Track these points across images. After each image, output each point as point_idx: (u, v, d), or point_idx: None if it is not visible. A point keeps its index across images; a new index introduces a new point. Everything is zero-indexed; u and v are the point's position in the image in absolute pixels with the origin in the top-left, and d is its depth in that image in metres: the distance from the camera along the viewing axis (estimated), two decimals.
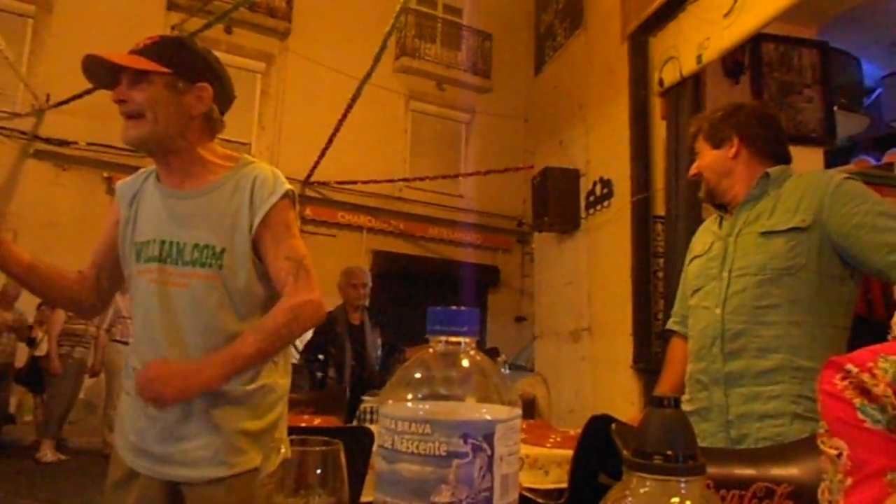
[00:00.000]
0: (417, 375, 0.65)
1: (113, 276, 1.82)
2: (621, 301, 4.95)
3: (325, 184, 11.01)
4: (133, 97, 1.63)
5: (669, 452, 0.63)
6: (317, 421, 3.08)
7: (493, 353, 6.17)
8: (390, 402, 0.63)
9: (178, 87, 1.65)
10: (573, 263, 5.93)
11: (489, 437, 0.60)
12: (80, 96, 8.13)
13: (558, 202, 5.64)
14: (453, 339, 0.66)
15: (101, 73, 1.65)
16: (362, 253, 11.53)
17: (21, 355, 7.55)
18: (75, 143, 9.23)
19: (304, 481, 0.75)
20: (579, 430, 1.72)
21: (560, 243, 6.18)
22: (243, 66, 10.71)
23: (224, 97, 1.75)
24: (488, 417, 0.61)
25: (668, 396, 0.68)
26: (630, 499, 0.63)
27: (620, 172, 5.10)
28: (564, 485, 1.92)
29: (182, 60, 1.67)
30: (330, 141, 9.30)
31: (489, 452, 0.60)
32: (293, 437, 0.79)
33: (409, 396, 0.63)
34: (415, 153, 12.57)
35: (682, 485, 0.61)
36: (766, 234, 1.92)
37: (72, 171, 9.74)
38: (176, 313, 1.64)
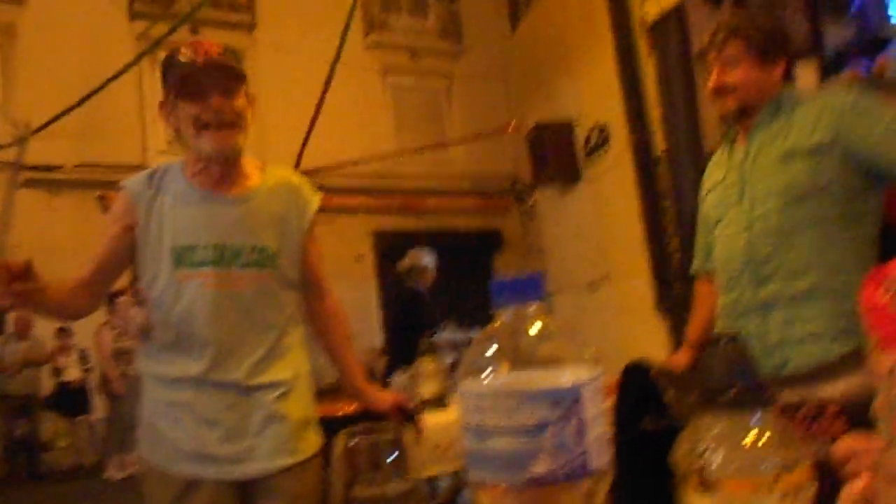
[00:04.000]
0: (493, 349, 0.63)
1: (112, 280, 1.82)
2: (635, 244, 4.94)
3: (315, 170, 10.96)
4: (231, 106, 1.70)
5: (738, 386, 0.63)
6: (353, 407, 3.09)
7: None
8: (469, 378, 0.62)
9: (249, 95, 1.77)
10: (580, 214, 5.91)
11: (577, 400, 0.59)
12: (59, 118, 8.02)
13: (556, 155, 5.61)
14: (522, 306, 0.65)
15: (202, 81, 1.70)
16: (363, 234, 11.51)
17: (46, 380, 7.64)
18: (62, 166, 9.15)
19: (378, 468, 0.74)
20: (613, 380, 1.72)
21: (563, 196, 6.16)
22: None
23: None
24: (573, 380, 0.60)
25: (724, 334, 0.68)
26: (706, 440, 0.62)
27: (615, 116, 5.06)
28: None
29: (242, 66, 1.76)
30: (311, 127, 9.23)
31: (579, 415, 0.59)
32: (359, 425, 0.79)
33: (489, 371, 0.61)
34: (399, 127, 12.48)
35: (756, 418, 0.61)
36: (786, 156, 1.89)
37: (63, 196, 9.67)
38: (231, 314, 1.70)
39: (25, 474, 7.40)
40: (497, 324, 0.65)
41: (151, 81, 9.00)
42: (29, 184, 9.61)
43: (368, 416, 1.91)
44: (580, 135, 5.79)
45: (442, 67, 12.77)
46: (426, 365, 3.02)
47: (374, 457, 0.75)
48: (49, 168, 9.43)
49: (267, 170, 1.89)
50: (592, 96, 5.51)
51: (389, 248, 11.46)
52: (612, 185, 5.30)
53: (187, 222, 1.73)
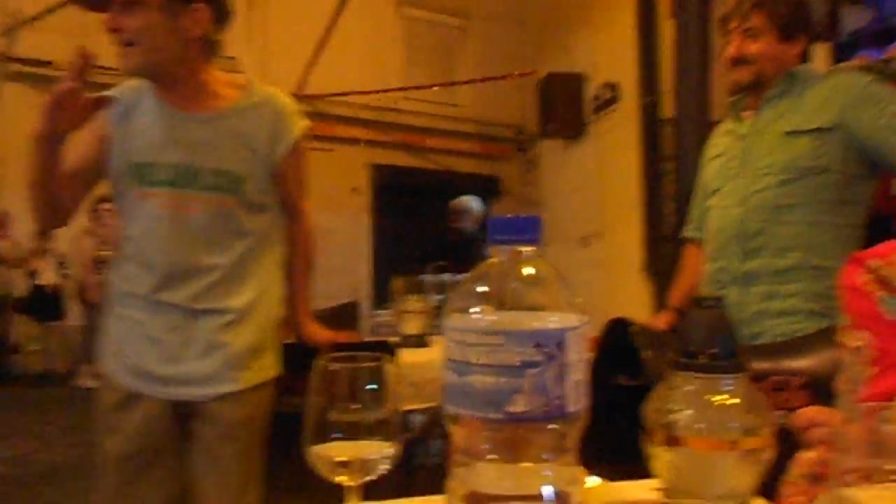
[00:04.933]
0: (483, 286, 0.64)
1: (85, 187, 1.77)
2: (631, 205, 4.95)
3: (318, 97, 10.81)
4: (126, 24, 1.57)
5: (714, 351, 0.65)
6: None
7: None
8: (457, 314, 0.63)
9: (173, 9, 1.58)
10: (580, 169, 5.90)
11: (561, 345, 0.60)
12: (53, 10, 7.74)
13: (564, 108, 5.57)
14: (517, 248, 0.65)
15: None
16: (360, 167, 11.44)
17: (21, 282, 7.56)
18: (53, 62, 8.92)
19: (356, 397, 0.75)
20: (595, 335, 1.74)
21: (566, 150, 6.13)
22: None
23: (222, 16, 1.71)
24: (559, 325, 0.61)
25: (709, 296, 0.69)
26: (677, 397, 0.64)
27: (627, 75, 5.00)
28: None
29: None
30: (318, 52, 9.08)
31: (561, 360, 0.60)
32: (339, 353, 0.80)
33: (478, 308, 0.62)
34: (408, 61, 12.28)
35: (728, 382, 0.63)
36: (791, 133, 1.89)
37: (44, 93, 9.48)
38: (186, 237, 1.66)
39: None
40: (491, 262, 0.65)
41: None
42: (17, 77, 9.35)
43: (353, 346, 1.93)
44: (589, 90, 5.73)
45: (459, 5, 12.53)
46: (411, 303, 3.06)
47: (353, 384, 0.76)
48: (40, 62, 9.17)
49: (251, 88, 1.78)
50: (606, 53, 5.44)
51: (386, 183, 11.41)
52: (616, 144, 5.27)
53: (150, 139, 1.68)
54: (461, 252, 4.74)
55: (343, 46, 9.86)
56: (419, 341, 2.86)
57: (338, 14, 7.87)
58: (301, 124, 1.79)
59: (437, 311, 3.20)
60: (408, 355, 2.55)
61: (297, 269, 1.92)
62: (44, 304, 7.66)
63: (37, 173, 1.64)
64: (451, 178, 11.34)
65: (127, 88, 1.75)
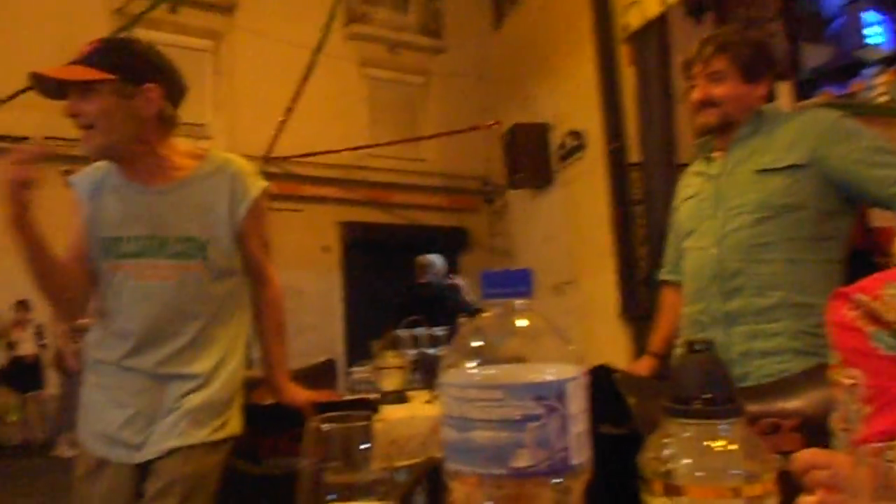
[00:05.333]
0: (479, 341, 0.63)
1: (91, 270, 1.82)
2: (603, 251, 4.99)
3: (286, 158, 10.86)
4: (84, 109, 1.64)
5: (709, 396, 0.64)
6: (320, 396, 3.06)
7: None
8: (454, 370, 0.62)
9: (126, 92, 1.65)
10: (550, 218, 5.95)
11: (561, 396, 0.60)
12: (28, 89, 7.81)
13: (530, 158, 5.65)
14: (510, 301, 0.65)
15: (51, 86, 1.66)
16: (329, 225, 11.44)
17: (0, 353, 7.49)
18: (29, 138, 8.93)
19: (349, 457, 0.74)
20: None
21: (535, 199, 6.20)
22: (191, 45, 10.39)
23: (175, 92, 1.76)
24: (558, 376, 0.60)
25: (701, 340, 0.68)
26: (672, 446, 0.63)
27: (591, 122, 5.10)
28: None
29: (125, 63, 1.66)
30: (286, 115, 9.16)
31: (563, 412, 0.59)
32: (328, 413, 0.78)
33: (475, 363, 0.61)
34: (373, 120, 12.42)
35: (725, 427, 0.62)
36: (763, 171, 1.91)
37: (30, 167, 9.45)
38: (155, 305, 1.71)
39: None
40: (484, 316, 0.65)
41: None
42: None
43: (284, 411, 1.94)
44: (555, 138, 5.82)
45: (420, 63, 12.74)
46: (389, 359, 3.02)
47: (345, 445, 0.74)
48: (16, 139, 9.19)
49: (208, 157, 1.84)
50: (570, 101, 5.55)
51: (355, 239, 11.41)
52: (585, 191, 5.34)
53: (116, 215, 1.75)
54: (432, 305, 4.77)
55: (309, 108, 9.96)
56: (399, 397, 2.82)
57: (304, 78, 7.97)
58: (258, 185, 1.83)
59: (414, 366, 3.17)
60: (389, 412, 2.51)
61: (268, 332, 1.94)
62: (23, 375, 7.61)
63: (30, 263, 1.67)
64: (419, 232, 11.39)
65: (93, 169, 1.82)
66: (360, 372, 3.68)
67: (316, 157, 11.08)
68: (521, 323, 0.64)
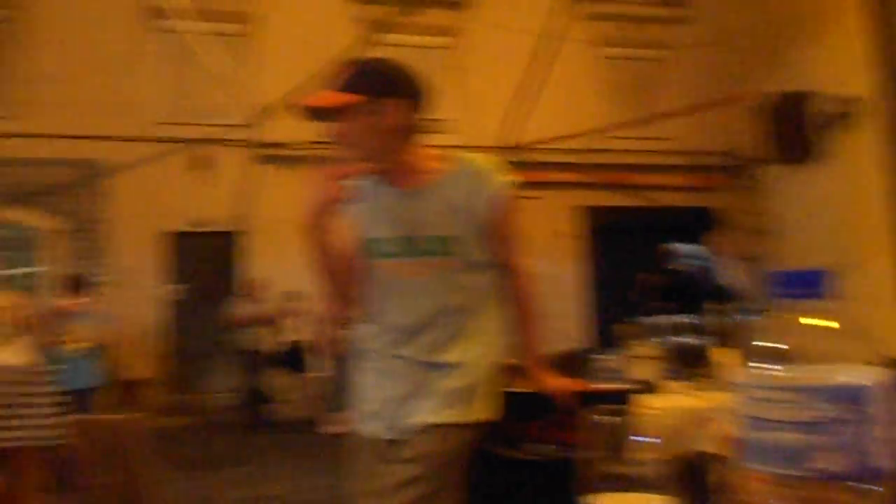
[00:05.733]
0: (776, 342, 0.62)
1: (359, 269, 1.99)
2: (878, 231, 4.48)
3: (525, 147, 11.01)
4: (340, 130, 1.82)
5: None
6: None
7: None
8: (750, 369, 0.61)
9: (374, 110, 1.80)
10: (812, 194, 5.46)
11: (864, 400, 0.57)
12: (289, 97, 8.73)
13: (788, 129, 5.20)
14: (805, 301, 0.62)
15: (319, 111, 1.85)
16: (569, 210, 11.42)
17: (275, 339, 8.53)
18: (292, 143, 9.92)
19: (617, 448, 0.74)
20: None
21: (794, 174, 5.71)
22: (427, 44, 10.90)
23: (417, 101, 1.88)
24: (861, 380, 0.57)
25: None
26: None
27: (864, 88, 4.59)
28: None
29: (371, 84, 1.82)
30: (524, 103, 9.26)
31: (865, 415, 0.56)
32: (599, 404, 0.79)
33: (772, 363, 0.60)
34: (611, 100, 12.16)
35: None
36: None
37: (294, 170, 10.50)
38: (413, 300, 1.87)
39: (255, 423, 8.26)
40: (778, 315, 0.63)
41: None
42: (265, 159, 10.55)
43: (539, 399, 2.00)
44: (815, 108, 5.32)
45: (660, 36, 12.25)
46: (641, 348, 2.96)
47: (615, 436, 0.75)
48: (281, 145, 10.30)
49: (451, 158, 1.95)
50: (834, 66, 5.04)
51: (598, 224, 11.29)
52: (855, 164, 4.82)
53: (375, 217, 1.92)
54: (682, 293, 4.59)
55: (546, 94, 10.01)
56: (650, 387, 2.75)
57: (536, 64, 8.01)
58: (501, 180, 1.92)
59: (668, 355, 3.08)
60: (645, 402, 2.46)
61: (520, 320, 2.02)
62: (292, 359, 8.61)
63: (318, 264, 1.91)
64: (663, 214, 10.98)
65: (355, 181, 1.99)
66: (606, 360, 3.64)
67: (554, 142, 11.11)
68: (819, 323, 0.61)
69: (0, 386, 2.83)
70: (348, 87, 1.80)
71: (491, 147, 10.81)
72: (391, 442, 1.83)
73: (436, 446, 1.78)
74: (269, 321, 8.44)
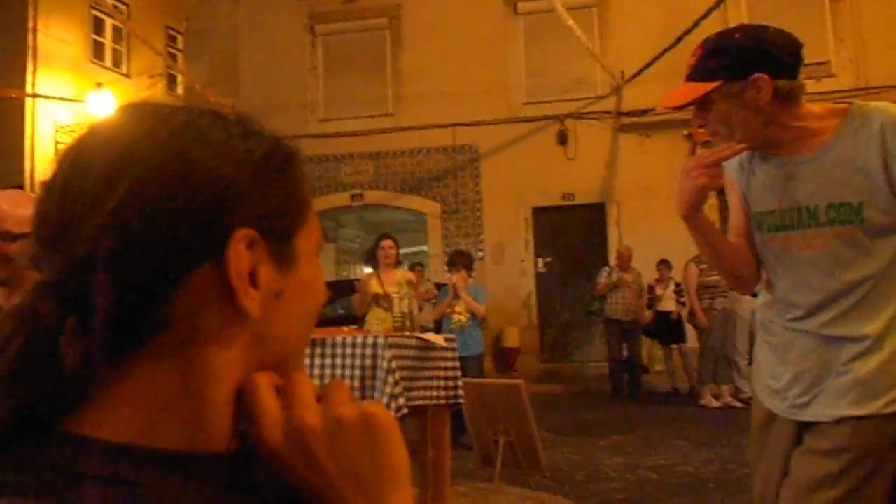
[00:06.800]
0: None
1: (755, 245, 1.88)
2: None
3: None
4: (706, 119, 1.72)
5: None
6: None
7: None
8: None
9: (735, 91, 1.65)
10: None
11: None
12: (649, 65, 8.60)
13: None
14: None
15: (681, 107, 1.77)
16: None
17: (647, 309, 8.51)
18: (653, 109, 9.73)
19: None
20: None
21: None
22: None
23: (786, 66, 1.66)
24: None
25: None
26: None
27: None
28: None
29: (731, 63, 1.66)
30: None
31: None
32: None
33: None
34: None
35: None
36: None
37: (655, 137, 10.34)
38: (811, 275, 1.71)
39: (627, 393, 8.31)
40: None
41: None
42: (624, 128, 10.53)
43: None
44: None
45: None
46: None
47: None
48: (642, 112, 10.16)
49: (850, 111, 1.70)
50: None
51: None
52: None
53: (762, 190, 1.79)
54: None
55: None
56: None
57: None
58: None
59: None
60: None
61: None
62: (665, 329, 8.46)
63: (702, 246, 1.87)
64: None
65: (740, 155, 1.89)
66: None
67: None
68: None
69: (420, 353, 3.20)
70: (704, 74, 1.69)
71: (882, 87, 9.50)
72: (801, 424, 1.72)
73: (855, 440, 1.62)
74: (641, 292, 8.43)
